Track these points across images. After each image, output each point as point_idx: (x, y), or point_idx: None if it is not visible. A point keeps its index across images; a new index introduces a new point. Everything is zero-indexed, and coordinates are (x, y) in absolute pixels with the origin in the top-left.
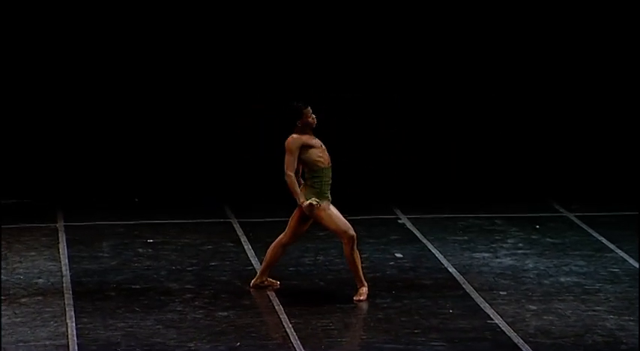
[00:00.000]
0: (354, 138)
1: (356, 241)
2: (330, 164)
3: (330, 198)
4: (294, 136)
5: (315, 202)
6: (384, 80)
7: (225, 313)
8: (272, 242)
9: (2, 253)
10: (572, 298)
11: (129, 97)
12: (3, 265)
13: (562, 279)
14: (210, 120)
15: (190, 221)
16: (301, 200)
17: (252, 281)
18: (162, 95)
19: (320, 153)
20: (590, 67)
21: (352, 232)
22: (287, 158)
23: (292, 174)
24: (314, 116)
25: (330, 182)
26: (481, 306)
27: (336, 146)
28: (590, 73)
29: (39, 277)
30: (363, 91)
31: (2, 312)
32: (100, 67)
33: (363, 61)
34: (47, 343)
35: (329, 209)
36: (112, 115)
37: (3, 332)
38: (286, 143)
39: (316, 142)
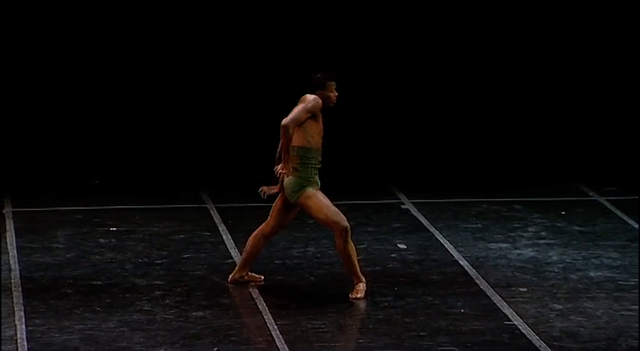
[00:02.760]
0: (351, 111)
1: (350, 233)
2: (320, 149)
3: (318, 183)
4: (316, 96)
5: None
6: (387, 57)
7: (201, 314)
8: (254, 231)
9: None
10: (603, 295)
11: (88, 70)
12: None
13: (592, 273)
14: (181, 93)
15: (160, 207)
16: (280, 169)
17: (231, 276)
18: (129, 69)
19: (317, 132)
20: (616, 40)
21: (345, 223)
22: (297, 110)
23: (292, 127)
24: (336, 93)
25: (319, 167)
26: (497, 305)
27: (331, 121)
28: (617, 45)
29: None
30: (364, 67)
31: None
32: (60, 47)
33: (366, 41)
34: None
35: (316, 196)
36: (66, 86)
37: None
38: (305, 97)
39: (321, 121)
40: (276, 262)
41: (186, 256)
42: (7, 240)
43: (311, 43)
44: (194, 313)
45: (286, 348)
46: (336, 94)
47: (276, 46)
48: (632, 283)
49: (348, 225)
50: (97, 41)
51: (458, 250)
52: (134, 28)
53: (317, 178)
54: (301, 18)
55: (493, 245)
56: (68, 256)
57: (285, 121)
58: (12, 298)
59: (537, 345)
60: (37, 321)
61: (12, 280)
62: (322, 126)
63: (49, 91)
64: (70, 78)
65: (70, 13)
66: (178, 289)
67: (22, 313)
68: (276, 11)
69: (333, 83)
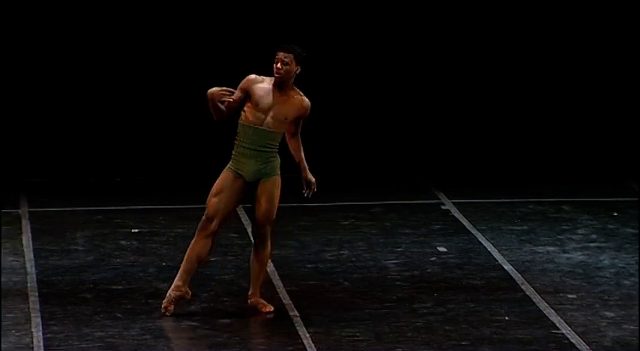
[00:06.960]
0: (388, 105)
1: (202, 230)
2: (259, 127)
3: (239, 172)
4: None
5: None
6: (426, 49)
7: (228, 321)
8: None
9: None
10: None
11: (106, 68)
12: None
13: None
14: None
15: (185, 207)
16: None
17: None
18: (146, 66)
19: (254, 109)
20: None
21: (206, 219)
22: None
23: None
24: (276, 64)
25: (253, 149)
26: (544, 312)
27: (366, 117)
28: None
29: None
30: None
31: None
32: (66, 38)
33: (403, 30)
34: None
35: (224, 180)
36: (86, 80)
37: None
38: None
39: (269, 94)
40: (308, 266)
41: (212, 259)
42: (23, 242)
43: (317, 41)
44: (221, 321)
45: None
46: (276, 64)
47: (273, 44)
48: None
49: (208, 223)
50: (105, 38)
51: (502, 254)
52: (127, 29)
53: (241, 166)
54: (301, 17)
55: (540, 248)
56: (88, 259)
57: None
58: (28, 303)
59: None
60: (55, 328)
61: (28, 285)
62: (274, 103)
63: (67, 87)
64: (88, 75)
65: (71, 15)
66: (204, 295)
67: (39, 319)
68: (271, 10)
69: (278, 53)
